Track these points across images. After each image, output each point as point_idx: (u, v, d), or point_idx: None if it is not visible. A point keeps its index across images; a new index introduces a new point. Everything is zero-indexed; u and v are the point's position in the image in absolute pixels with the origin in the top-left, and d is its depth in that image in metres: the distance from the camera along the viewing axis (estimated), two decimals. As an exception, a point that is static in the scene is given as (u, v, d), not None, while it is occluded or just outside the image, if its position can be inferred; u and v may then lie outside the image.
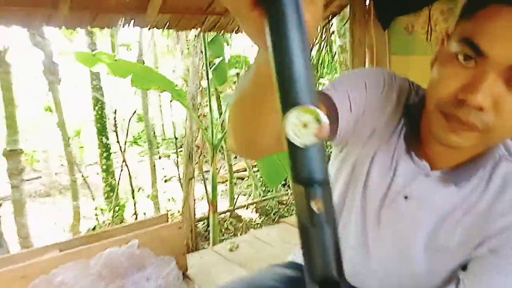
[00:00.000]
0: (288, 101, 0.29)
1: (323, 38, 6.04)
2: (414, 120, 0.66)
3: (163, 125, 10.68)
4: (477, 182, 0.63)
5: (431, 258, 0.67)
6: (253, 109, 0.54)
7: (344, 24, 4.62)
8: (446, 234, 0.65)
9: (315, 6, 0.31)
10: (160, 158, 4.59)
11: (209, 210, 3.35)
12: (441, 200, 0.65)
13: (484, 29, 0.51)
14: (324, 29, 5.84)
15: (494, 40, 0.50)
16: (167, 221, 1.81)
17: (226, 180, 5.56)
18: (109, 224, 4.35)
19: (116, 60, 2.56)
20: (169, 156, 7.57)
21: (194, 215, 3.45)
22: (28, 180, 9.06)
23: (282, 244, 1.95)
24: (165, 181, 4.51)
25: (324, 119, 0.28)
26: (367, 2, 2.26)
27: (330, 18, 3.11)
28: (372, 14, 2.16)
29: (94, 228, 3.65)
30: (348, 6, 2.39)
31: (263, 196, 5.62)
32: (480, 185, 0.63)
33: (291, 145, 0.29)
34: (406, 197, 0.67)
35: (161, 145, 7.93)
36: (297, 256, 0.94)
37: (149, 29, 2.33)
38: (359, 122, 0.70)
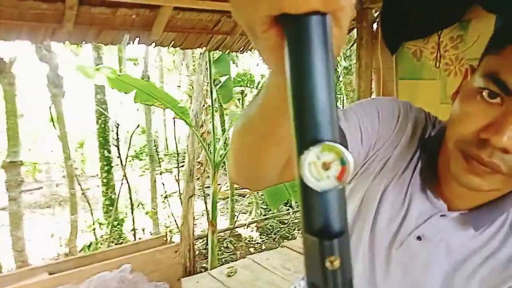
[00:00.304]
0: (307, 137, 0.24)
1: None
2: (431, 156, 0.61)
3: (166, 139, 10.69)
4: (498, 227, 0.58)
5: None
6: (258, 139, 0.49)
7: (350, 47, 4.63)
8: (463, 280, 0.59)
9: (341, 29, 0.27)
10: (161, 173, 4.54)
11: (208, 230, 3.28)
12: (458, 243, 0.59)
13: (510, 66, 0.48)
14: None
15: None
16: (165, 242, 1.74)
17: (228, 197, 5.50)
18: (107, 239, 4.27)
19: (119, 75, 2.55)
20: (171, 171, 7.53)
21: (193, 234, 3.38)
22: (29, 190, 9.05)
23: (282, 271, 1.88)
24: (165, 197, 4.45)
25: (350, 159, 0.24)
26: (375, 26, 2.24)
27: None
28: (379, 38, 2.14)
29: (90, 245, 3.58)
30: (355, 29, 2.37)
31: (264, 215, 5.54)
32: (501, 231, 0.58)
33: (306, 189, 0.24)
34: (419, 238, 0.61)
35: (163, 161, 7.90)
36: None
37: (154, 46, 2.32)
38: (370, 154, 0.65)
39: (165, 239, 1.86)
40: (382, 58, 2.18)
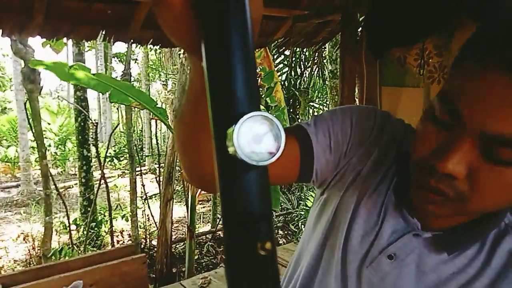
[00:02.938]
0: (234, 109, 0.22)
1: (315, 62, 6.05)
2: (406, 171, 0.54)
3: (151, 139, 10.53)
4: (474, 254, 0.53)
5: None
6: (189, 129, 0.47)
7: (336, 50, 4.60)
8: None
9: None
10: (141, 174, 4.42)
11: (187, 234, 3.19)
12: (430, 266, 0.55)
13: (462, 88, 0.43)
14: (317, 54, 5.85)
15: (472, 102, 0.42)
16: (137, 251, 1.65)
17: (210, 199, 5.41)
18: (83, 241, 4.14)
19: (94, 74, 2.44)
20: (155, 170, 7.40)
21: (171, 238, 3.28)
22: (6, 188, 8.79)
23: (258, 281, 1.81)
24: (145, 199, 4.34)
25: (282, 131, 0.22)
26: (359, 31, 2.20)
27: (322, 43, 3.06)
28: (363, 43, 2.09)
29: (61, 250, 3.45)
30: (340, 34, 2.32)
31: (247, 219, 5.45)
32: (478, 258, 0.53)
33: (236, 164, 0.21)
34: (390, 257, 0.57)
35: (144, 161, 7.75)
36: None
37: (131, 44, 2.23)
38: (342, 163, 0.62)
39: (136, 248, 1.76)
40: (367, 63, 2.13)
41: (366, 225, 0.60)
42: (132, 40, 2.20)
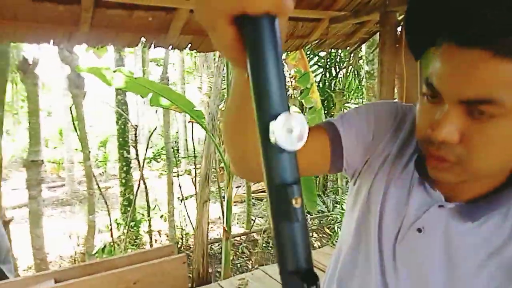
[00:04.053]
0: (273, 110, 0.31)
1: (350, 63, 5.95)
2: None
3: (186, 141, 10.76)
4: (500, 222, 0.57)
5: None
6: (235, 124, 0.56)
7: (373, 51, 4.50)
8: (468, 276, 0.58)
9: (283, 29, 0.32)
10: (178, 175, 4.53)
11: (223, 235, 3.23)
12: (457, 236, 0.59)
13: (433, 69, 0.53)
14: (352, 55, 5.75)
15: (441, 78, 0.51)
16: (175, 251, 1.69)
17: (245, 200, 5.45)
18: (123, 240, 4.30)
19: (135, 78, 2.54)
20: (190, 172, 7.55)
21: (207, 239, 3.34)
22: (52, 187, 9.28)
23: (295, 284, 1.81)
24: (182, 200, 4.45)
25: (306, 124, 0.30)
26: (399, 30, 2.14)
27: (359, 44, 3.01)
28: (403, 43, 2.04)
29: (104, 248, 3.60)
30: (378, 33, 2.27)
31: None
32: (504, 226, 0.57)
33: (276, 149, 0.31)
34: (419, 230, 0.62)
35: (181, 163, 7.93)
36: None
37: (170, 49, 2.30)
38: (369, 151, 0.69)
39: (174, 249, 1.81)
40: (407, 63, 2.07)
41: (397, 204, 0.65)
42: (171, 46, 2.27)
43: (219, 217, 5.23)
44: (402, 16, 2.17)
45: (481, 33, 0.47)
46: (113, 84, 2.53)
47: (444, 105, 0.51)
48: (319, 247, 4.26)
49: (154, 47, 2.20)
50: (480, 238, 0.58)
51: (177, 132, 11.47)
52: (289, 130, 0.30)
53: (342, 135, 0.67)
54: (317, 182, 6.01)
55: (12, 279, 1.41)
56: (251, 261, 4.41)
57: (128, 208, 4.74)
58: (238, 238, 4.93)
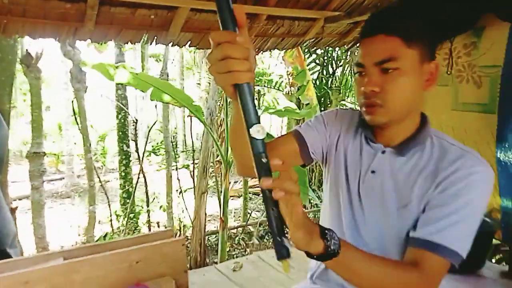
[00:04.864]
0: (251, 122, 0.61)
1: (347, 61, 6.05)
2: (366, 123, 0.93)
3: (185, 135, 10.84)
4: (421, 152, 0.89)
5: (403, 212, 0.87)
6: (235, 136, 0.85)
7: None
8: (408, 191, 0.86)
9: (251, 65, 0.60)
10: (177, 169, 4.64)
11: (220, 225, 3.35)
12: (397, 168, 0.89)
13: (360, 53, 0.88)
14: (349, 53, 5.86)
15: (364, 55, 0.86)
16: (174, 236, 1.80)
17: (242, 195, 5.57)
18: (122, 230, 4.41)
19: (137, 73, 2.63)
20: (188, 166, 7.66)
21: (205, 229, 3.46)
22: (52, 180, 9.36)
23: (287, 269, 1.92)
24: (180, 192, 4.55)
25: (264, 128, 0.61)
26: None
27: (354, 43, 3.11)
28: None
29: (106, 235, 3.70)
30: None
31: (277, 214, 5.56)
32: (424, 154, 0.88)
33: (254, 140, 0.61)
34: (373, 172, 0.92)
35: (179, 157, 8.02)
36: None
37: (171, 46, 2.39)
38: (327, 138, 1.01)
39: (173, 233, 1.92)
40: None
41: (355, 159, 0.95)
42: (172, 42, 2.36)
43: (217, 211, 5.35)
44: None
45: (379, 25, 0.84)
46: (116, 79, 2.63)
47: (366, 71, 0.85)
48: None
49: (156, 44, 2.30)
50: (411, 166, 0.88)
51: (175, 128, 11.56)
52: (258, 130, 0.61)
53: (304, 135, 0.99)
54: (313, 178, 6.13)
55: (24, 257, 1.52)
56: (246, 252, 4.53)
57: (128, 200, 4.85)
58: (234, 231, 5.05)
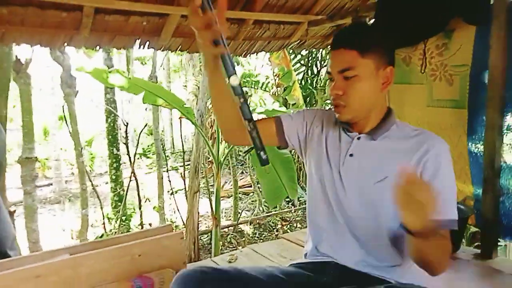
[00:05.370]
0: (230, 73, 0.87)
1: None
2: None
3: (173, 138, 10.87)
4: (388, 136, 1.07)
5: (379, 186, 1.01)
6: (219, 99, 1.09)
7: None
8: (384, 169, 1.01)
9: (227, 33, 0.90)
10: (168, 171, 4.72)
11: (212, 224, 3.45)
12: (371, 150, 1.06)
13: (329, 63, 1.06)
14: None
15: (332, 66, 1.03)
16: (171, 231, 1.91)
17: (232, 195, 5.67)
18: (115, 233, 4.46)
19: (130, 78, 2.72)
20: (177, 169, 7.72)
21: (198, 228, 3.55)
22: (39, 186, 9.27)
23: (279, 258, 2.04)
24: (172, 193, 4.63)
25: (238, 76, 0.87)
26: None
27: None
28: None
29: (101, 236, 3.76)
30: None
31: (267, 213, 5.70)
32: (392, 137, 1.06)
33: (233, 86, 0.88)
34: (351, 155, 1.08)
35: (169, 158, 8.06)
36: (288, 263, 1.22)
37: (162, 50, 2.49)
38: (305, 130, 1.19)
39: (171, 228, 2.02)
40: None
41: (335, 146, 1.12)
42: (163, 47, 2.46)
43: (207, 212, 5.44)
44: (372, 20, 2.42)
45: (340, 40, 1.02)
46: (110, 84, 2.71)
47: (334, 80, 1.03)
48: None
49: (148, 48, 2.40)
50: (382, 148, 1.05)
51: (162, 130, 11.58)
52: (235, 79, 0.86)
53: (282, 120, 1.19)
54: (301, 175, 6.27)
55: (31, 254, 1.60)
56: (238, 250, 4.62)
57: (119, 203, 4.90)
58: (226, 230, 5.15)
